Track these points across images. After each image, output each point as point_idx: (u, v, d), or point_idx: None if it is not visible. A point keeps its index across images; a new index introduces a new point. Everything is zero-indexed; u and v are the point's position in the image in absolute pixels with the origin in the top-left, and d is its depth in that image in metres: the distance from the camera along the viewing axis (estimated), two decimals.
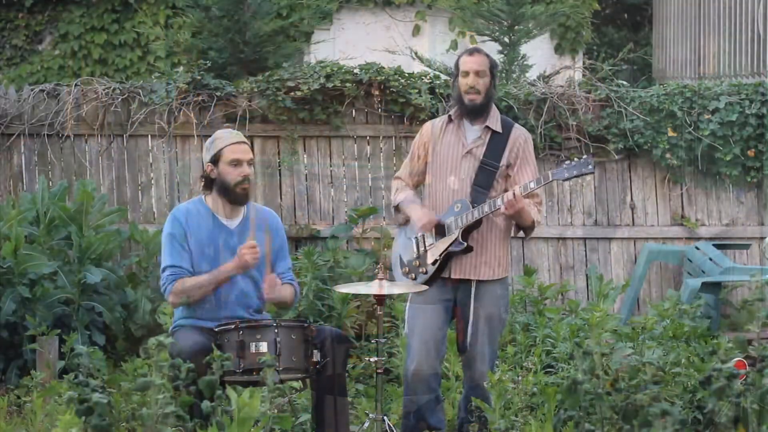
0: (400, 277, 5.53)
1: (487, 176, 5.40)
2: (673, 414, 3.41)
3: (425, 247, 5.44)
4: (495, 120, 5.48)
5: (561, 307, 7.41)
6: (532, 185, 5.28)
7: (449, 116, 5.53)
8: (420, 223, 5.39)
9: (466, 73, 5.42)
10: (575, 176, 5.30)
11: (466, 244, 5.35)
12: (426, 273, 5.41)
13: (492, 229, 5.43)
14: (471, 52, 5.48)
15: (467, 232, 5.36)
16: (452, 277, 5.42)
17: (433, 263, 5.39)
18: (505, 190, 5.41)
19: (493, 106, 5.52)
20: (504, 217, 5.40)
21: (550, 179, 5.30)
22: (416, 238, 5.48)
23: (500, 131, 5.46)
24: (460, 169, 5.43)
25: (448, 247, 5.36)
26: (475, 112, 5.44)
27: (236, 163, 5.29)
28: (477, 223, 5.36)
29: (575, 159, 5.36)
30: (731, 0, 11.45)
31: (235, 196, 5.32)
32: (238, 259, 5.20)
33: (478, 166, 5.41)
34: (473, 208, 5.33)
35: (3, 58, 12.14)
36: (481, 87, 5.40)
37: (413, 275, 5.44)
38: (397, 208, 5.63)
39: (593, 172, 5.35)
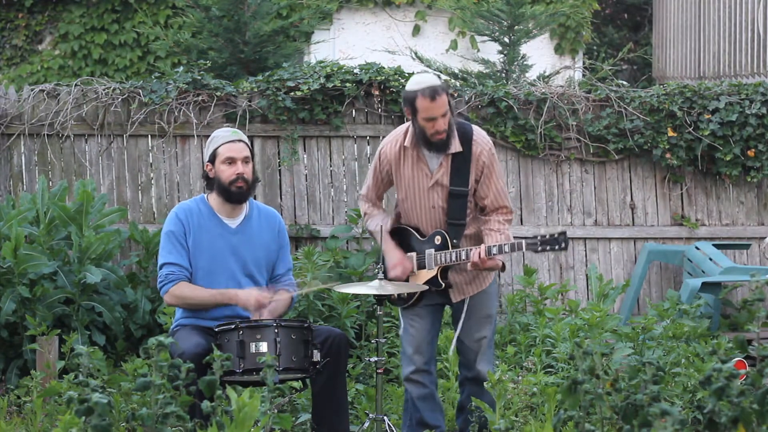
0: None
1: (459, 204, 5.33)
2: (673, 414, 3.41)
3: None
4: (454, 142, 5.30)
5: (561, 307, 7.41)
6: (495, 251, 5.20)
7: (403, 146, 5.36)
8: (393, 272, 5.36)
9: (432, 119, 5.19)
10: (547, 251, 5.27)
11: (443, 284, 5.36)
12: (408, 299, 5.42)
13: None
14: (432, 96, 5.16)
15: (445, 268, 5.36)
16: (452, 301, 5.46)
17: (411, 295, 5.40)
18: (476, 204, 5.40)
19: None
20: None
21: (523, 249, 5.24)
22: None
23: (461, 150, 5.30)
24: (429, 199, 5.35)
25: (427, 281, 5.37)
26: (443, 147, 5.29)
27: (230, 161, 5.29)
28: (455, 263, 5.35)
29: (548, 235, 5.28)
30: (731, 0, 11.44)
31: (229, 194, 5.32)
32: (244, 300, 5.21)
33: (448, 195, 5.32)
34: (452, 247, 5.30)
35: (3, 58, 12.14)
36: (446, 124, 5.23)
37: (395, 297, 5.44)
38: (369, 232, 5.61)
39: (566, 249, 5.35)
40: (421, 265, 5.38)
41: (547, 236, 5.23)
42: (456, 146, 5.30)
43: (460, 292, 5.44)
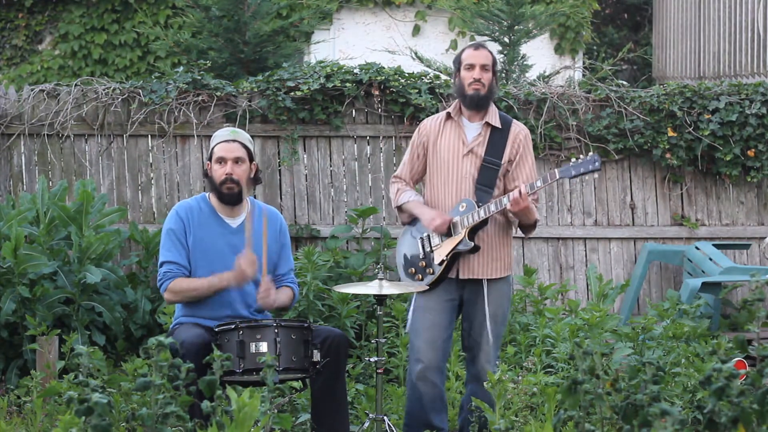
0: (405, 277, 5.52)
1: (490, 175, 5.40)
2: (673, 414, 3.41)
3: (431, 247, 5.43)
4: (494, 116, 5.48)
5: (561, 307, 7.41)
6: (538, 183, 5.28)
7: (447, 113, 5.51)
8: (433, 224, 5.37)
9: (471, 66, 5.42)
10: (582, 174, 5.30)
11: (473, 243, 5.35)
12: (433, 273, 5.40)
13: (497, 227, 5.45)
14: (476, 46, 5.50)
15: (473, 231, 5.36)
16: (460, 277, 5.43)
17: (440, 263, 5.39)
18: (506, 187, 5.43)
19: (492, 104, 5.53)
20: (508, 215, 5.40)
21: (557, 177, 5.31)
22: (422, 238, 5.48)
23: (500, 126, 5.46)
24: (461, 167, 5.42)
25: (454, 247, 5.36)
26: (478, 104, 5.42)
27: (221, 161, 5.30)
28: (483, 223, 5.37)
29: (581, 157, 5.36)
30: (731, 0, 11.45)
31: (221, 195, 5.32)
32: (237, 272, 5.21)
33: (481, 165, 5.41)
34: (479, 207, 5.33)
35: (3, 58, 12.15)
36: (485, 80, 5.42)
37: (420, 275, 5.43)
38: (399, 209, 5.61)
39: (599, 170, 5.33)
40: (448, 234, 5.38)
41: (580, 158, 5.30)
42: (494, 120, 5.46)
43: (469, 269, 5.42)
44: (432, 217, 5.39)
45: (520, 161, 5.46)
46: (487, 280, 5.42)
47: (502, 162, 5.42)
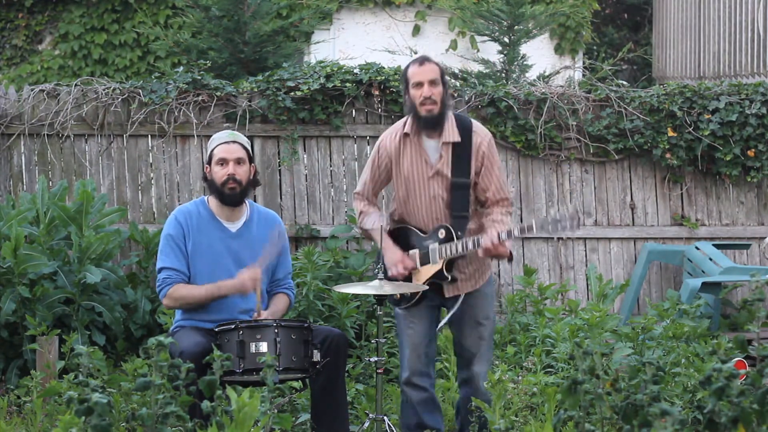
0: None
1: (461, 196, 5.27)
2: (673, 414, 3.41)
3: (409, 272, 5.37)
4: (452, 131, 5.28)
5: (561, 307, 7.41)
6: (515, 232, 5.15)
7: (405, 133, 5.32)
8: (393, 271, 5.29)
9: (419, 84, 5.22)
10: (558, 231, 5.18)
11: (449, 277, 5.28)
12: (410, 297, 5.34)
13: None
14: (420, 62, 5.26)
15: (450, 261, 5.29)
16: (445, 296, 5.37)
17: (413, 294, 5.32)
18: (477, 197, 5.34)
19: (449, 114, 5.34)
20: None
21: (534, 231, 5.16)
22: None
23: (459, 140, 5.27)
24: (429, 189, 5.29)
25: (432, 276, 5.31)
26: (433, 124, 5.25)
27: (222, 162, 5.30)
28: (461, 256, 5.29)
29: (557, 214, 5.22)
30: (731, 0, 11.44)
31: (222, 196, 5.32)
32: (239, 283, 5.21)
33: (450, 185, 5.27)
34: (457, 239, 5.22)
35: (3, 58, 12.14)
36: (436, 96, 5.22)
37: (398, 295, 5.37)
38: (365, 231, 5.50)
39: (578, 229, 5.26)
40: (425, 261, 5.31)
41: (558, 216, 5.13)
42: (454, 135, 5.27)
43: (454, 287, 5.36)
44: (394, 262, 5.29)
45: (485, 172, 5.31)
46: (467, 293, 5.38)
47: (470, 178, 5.28)
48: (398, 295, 5.36)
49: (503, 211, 5.31)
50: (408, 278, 5.35)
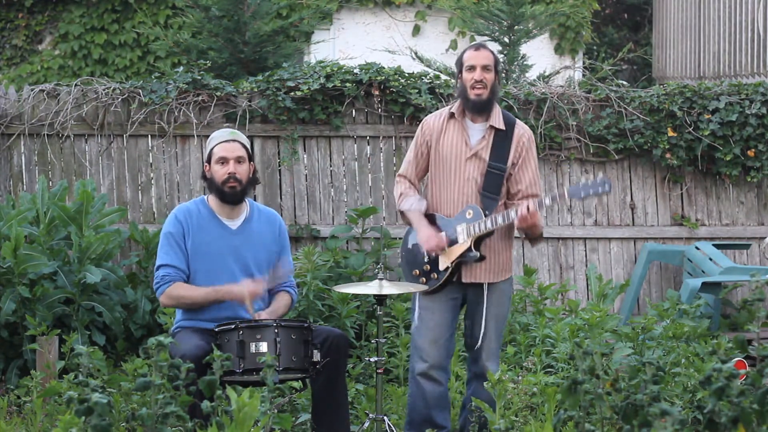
0: (409, 278, 5.50)
1: (495, 181, 5.37)
2: (673, 414, 3.41)
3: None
4: (498, 117, 5.44)
5: (561, 307, 7.41)
6: (547, 201, 5.29)
7: (451, 113, 5.47)
8: (427, 246, 5.34)
9: (472, 68, 5.38)
10: (591, 196, 5.30)
11: (479, 254, 5.33)
12: (437, 279, 5.38)
13: (500, 232, 5.43)
14: (477, 47, 5.45)
15: (478, 240, 5.34)
16: (463, 281, 5.42)
17: (445, 270, 5.37)
18: (508, 190, 5.42)
19: (496, 104, 5.50)
20: (513, 224, 5.38)
21: (566, 197, 5.33)
22: None
23: (503, 128, 5.42)
24: (465, 170, 5.39)
25: (460, 255, 5.35)
26: (481, 108, 5.39)
27: (223, 161, 5.30)
28: (489, 233, 5.35)
29: (591, 179, 5.33)
30: (731, 0, 11.44)
31: (223, 194, 5.32)
32: (239, 294, 5.21)
33: (486, 170, 5.37)
34: (485, 217, 5.31)
35: (3, 58, 12.15)
36: (487, 81, 5.38)
37: (423, 279, 5.41)
38: (402, 212, 5.57)
39: (609, 192, 5.33)
40: (453, 242, 5.35)
41: (590, 180, 5.27)
42: (499, 122, 5.42)
43: (472, 274, 5.40)
44: (427, 237, 5.34)
45: (522, 164, 5.43)
46: (489, 283, 5.42)
47: (507, 166, 5.39)
48: (417, 271, 5.40)
49: (532, 204, 5.37)
50: (436, 260, 5.38)
